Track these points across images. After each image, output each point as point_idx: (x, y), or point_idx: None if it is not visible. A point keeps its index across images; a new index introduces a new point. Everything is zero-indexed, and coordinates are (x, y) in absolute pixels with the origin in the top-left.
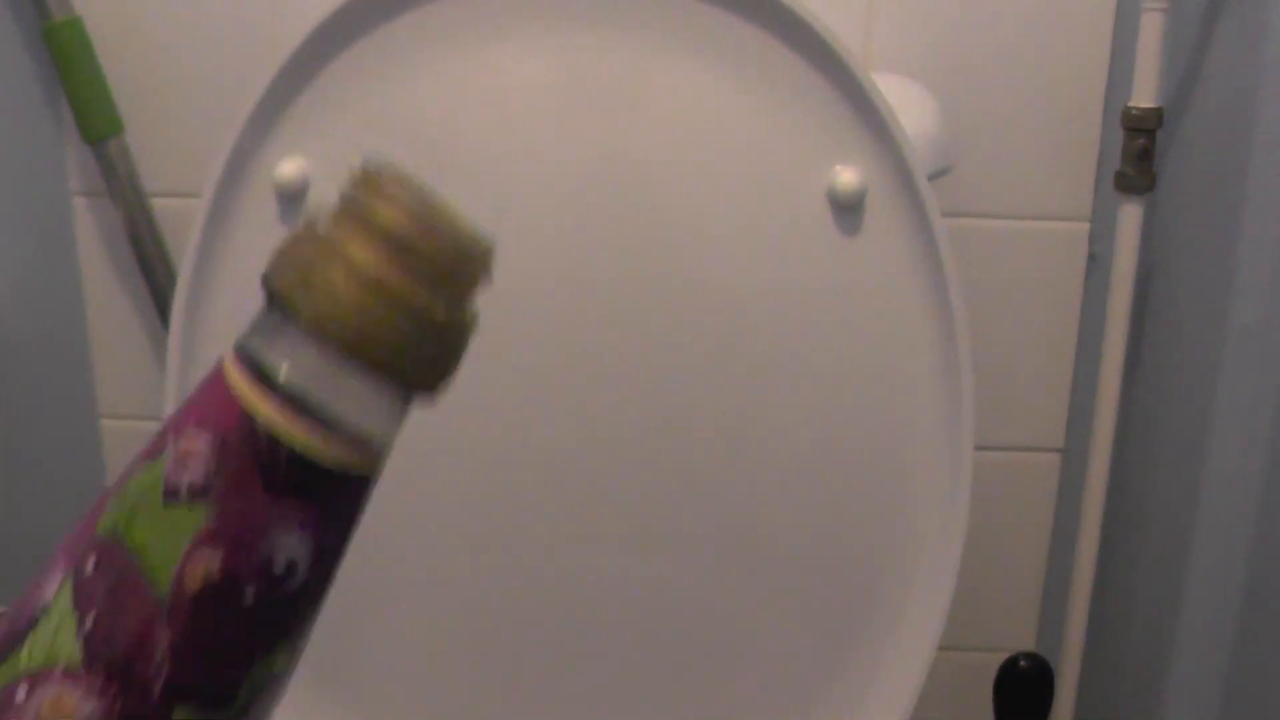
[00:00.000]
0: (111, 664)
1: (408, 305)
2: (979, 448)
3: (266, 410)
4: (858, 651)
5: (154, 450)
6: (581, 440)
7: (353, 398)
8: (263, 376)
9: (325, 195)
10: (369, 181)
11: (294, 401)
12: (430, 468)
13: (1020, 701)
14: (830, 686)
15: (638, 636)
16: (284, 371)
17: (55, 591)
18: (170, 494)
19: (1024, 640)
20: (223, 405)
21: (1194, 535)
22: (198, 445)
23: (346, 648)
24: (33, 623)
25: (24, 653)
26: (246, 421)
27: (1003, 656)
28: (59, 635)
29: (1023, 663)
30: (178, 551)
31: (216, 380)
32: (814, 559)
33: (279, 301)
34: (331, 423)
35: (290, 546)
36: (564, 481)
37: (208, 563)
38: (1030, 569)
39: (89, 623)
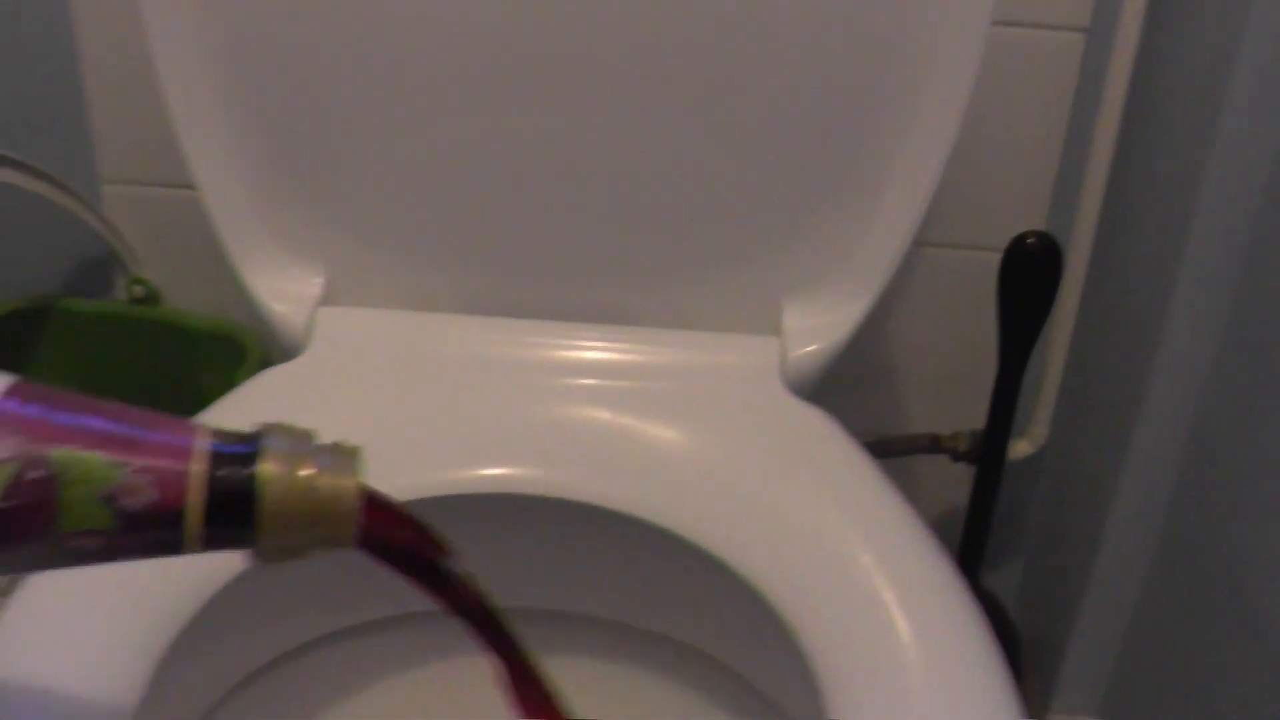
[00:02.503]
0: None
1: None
2: (997, 23)
3: (191, 524)
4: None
5: (117, 448)
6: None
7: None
8: (208, 500)
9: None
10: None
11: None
12: (429, 17)
13: (1026, 280)
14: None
15: (631, 185)
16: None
17: None
18: (105, 498)
19: (1035, 226)
20: (171, 487)
21: (1217, 132)
22: (141, 493)
23: (336, 165)
24: None
25: None
26: (177, 518)
27: None
28: None
29: (1030, 240)
30: (84, 521)
31: (180, 459)
32: (809, 112)
33: (249, 524)
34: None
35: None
36: (556, 34)
37: (86, 538)
38: (1046, 154)
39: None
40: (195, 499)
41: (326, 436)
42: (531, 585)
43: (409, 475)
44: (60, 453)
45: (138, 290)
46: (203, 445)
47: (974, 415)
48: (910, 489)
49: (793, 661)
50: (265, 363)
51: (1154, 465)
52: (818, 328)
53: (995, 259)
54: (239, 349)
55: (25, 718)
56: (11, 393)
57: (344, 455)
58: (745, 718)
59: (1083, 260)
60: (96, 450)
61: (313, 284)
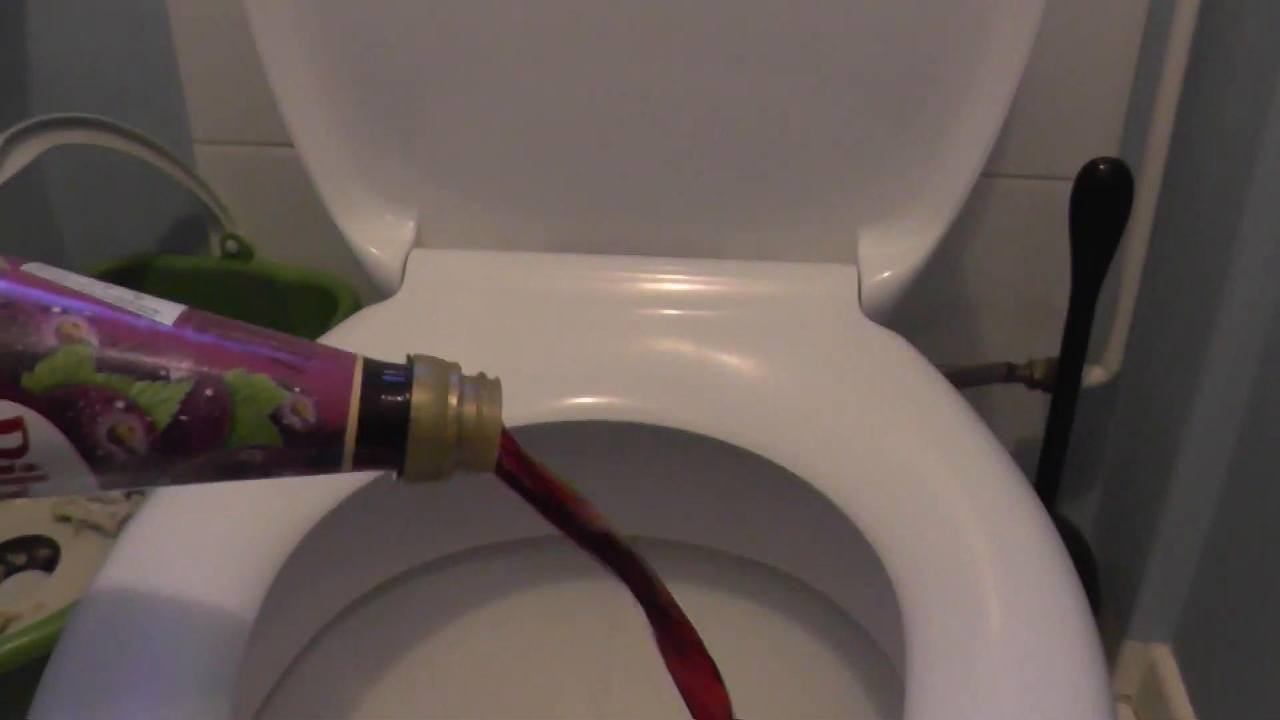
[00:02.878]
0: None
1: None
2: None
3: (349, 441)
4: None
5: (284, 371)
6: None
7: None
8: (363, 422)
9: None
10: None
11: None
12: None
13: (1098, 208)
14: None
15: (710, 124)
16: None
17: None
18: (273, 417)
19: (1107, 154)
20: (331, 407)
21: None
22: (306, 412)
23: (425, 114)
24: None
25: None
26: (336, 435)
27: None
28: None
29: (1102, 166)
30: (253, 436)
31: (341, 388)
32: (880, 48)
33: (401, 446)
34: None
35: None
36: None
37: (253, 451)
38: (1117, 82)
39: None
40: (353, 420)
41: None
42: (623, 511)
43: (506, 406)
44: (232, 374)
45: (231, 246)
46: (360, 372)
47: (1049, 344)
48: (988, 418)
49: (877, 584)
50: (356, 310)
51: (1226, 391)
52: (893, 255)
53: (1068, 188)
54: (330, 299)
55: (147, 637)
56: (184, 319)
57: (488, 386)
58: (832, 640)
59: (1154, 186)
60: (264, 373)
61: (405, 228)
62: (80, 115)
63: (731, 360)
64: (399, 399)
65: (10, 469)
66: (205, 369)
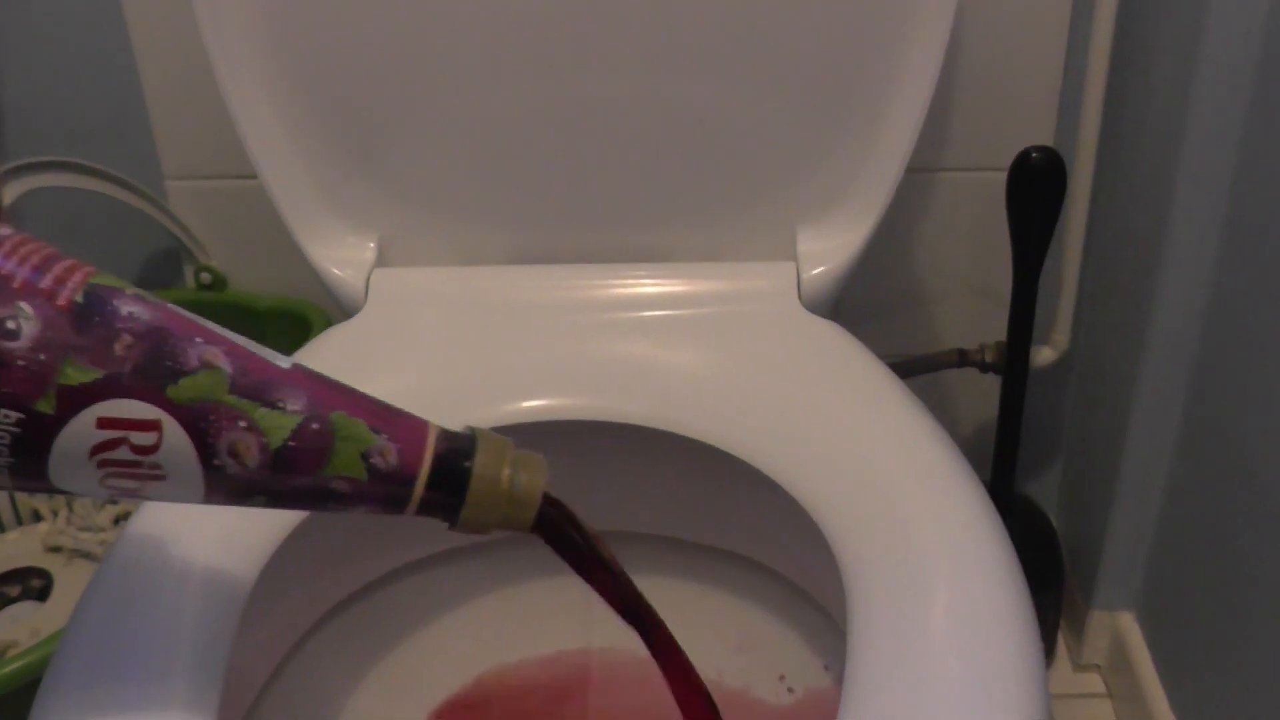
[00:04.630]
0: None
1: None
2: None
3: (419, 487)
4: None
5: (375, 420)
6: None
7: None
8: (433, 473)
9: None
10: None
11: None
12: None
13: (1032, 194)
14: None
15: (653, 135)
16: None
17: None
18: (364, 455)
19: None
20: (410, 456)
21: (1204, 38)
22: (389, 456)
23: (382, 139)
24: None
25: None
26: (411, 480)
27: None
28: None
29: (1034, 154)
30: (345, 469)
31: (418, 442)
32: (807, 50)
33: (460, 498)
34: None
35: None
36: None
37: (342, 481)
38: (1047, 74)
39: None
40: (425, 469)
41: (390, 381)
42: (588, 505)
43: (468, 411)
44: (336, 415)
45: (205, 277)
46: (434, 433)
47: (999, 328)
48: (945, 403)
49: (825, 560)
50: None
51: (1170, 363)
52: (829, 249)
53: (1004, 178)
54: (304, 323)
55: (129, 647)
56: (295, 367)
57: (534, 461)
58: (791, 617)
59: (1088, 172)
60: (361, 418)
61: (367, 249)
62: (55, 159)
63: (682, 357)
64: (465, 462)
65: (138, 464)
66: (315, 407)
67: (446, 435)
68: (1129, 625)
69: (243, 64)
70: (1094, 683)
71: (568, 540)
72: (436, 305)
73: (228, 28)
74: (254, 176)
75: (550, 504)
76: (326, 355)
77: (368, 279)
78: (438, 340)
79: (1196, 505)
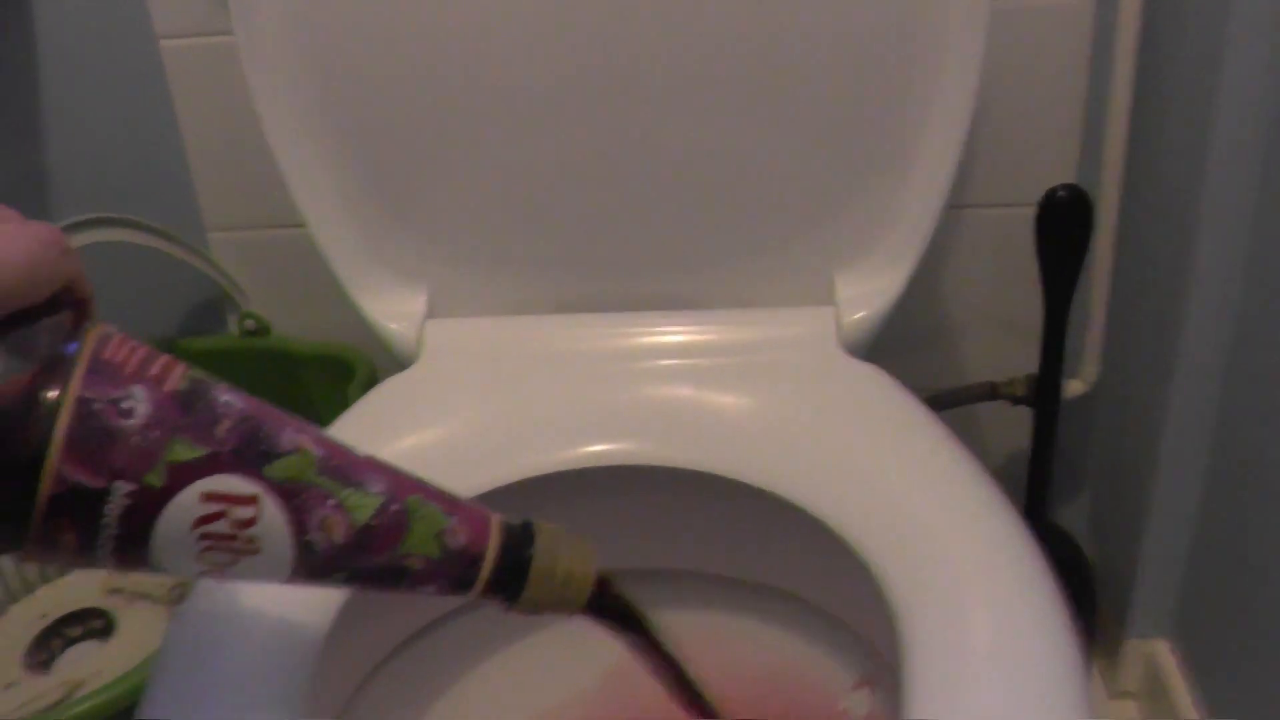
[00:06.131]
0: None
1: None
2: None
3: (486, 567)
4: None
5: (445, 505)
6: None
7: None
8: (499, 557)
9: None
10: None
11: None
12: (489, 41)
13: (1060, 232)
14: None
15: (692, 182)
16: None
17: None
18: (437, 534)
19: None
20: (478, 538)
21: (1222, 75)
22: (459, 537)
23: (427, 193)
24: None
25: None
26: (478, 560)
27: None
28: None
29: (1061, 193)
30: (420, 548)
31: (483, 527)
32: (840, 96)
33: (522, 581)
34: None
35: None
36: (608, 53)
37: (417, 559)
38: (1069, 112)
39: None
40: (492, 552)
41: (447, 428)
42: (636, 545)
43: (521, 458)
44: (412, 498)
45: (249, 324)
46: (497, 519)
47: (1028, 362)
48: (976, 435)
49: (870, 595)
50: (371, 377)
51: (1198, 392)
52: (868, 293)
53: (1031, 213)
54: (346, 367)
55: (214, 685)
56: (370, 456)
57: (587, 549)
58: (839, 652)
59: (1113, 207)
60: (434, 503)
61: (418, 301)
62: (102, 215)
63: (726, 402)
64: (527, 548)
65: (234, 538)
66: (393, 489)
67: (509, 524)
68: (1163, 652)
69: (292, 125)
70: (1130, 710)
71: (617, 621)
72: (488, 355)
73: (278, 91)
74: (292, 225)
75: (602, 588)
76: (389, 404)
77: (420, 330)
78: (491, 389)
79: (1228, 532)
